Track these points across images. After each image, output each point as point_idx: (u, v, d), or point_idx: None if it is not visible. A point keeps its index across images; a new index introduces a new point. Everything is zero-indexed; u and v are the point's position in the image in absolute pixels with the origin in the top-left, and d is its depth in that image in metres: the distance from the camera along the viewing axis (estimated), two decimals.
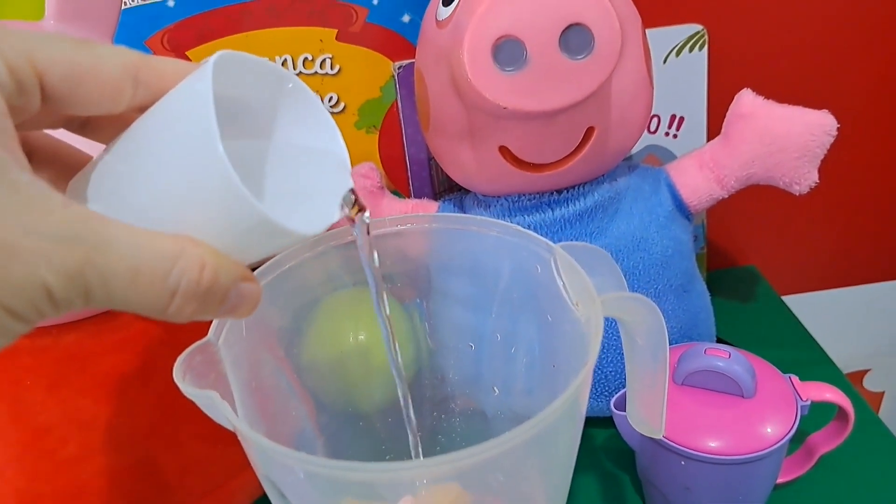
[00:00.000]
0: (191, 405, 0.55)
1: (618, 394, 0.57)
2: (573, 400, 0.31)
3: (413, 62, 0.65)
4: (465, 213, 0.64)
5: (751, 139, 0.59)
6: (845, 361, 0.71)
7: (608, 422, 0.67)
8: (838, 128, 0.58)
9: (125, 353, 0.53)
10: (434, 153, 0.61)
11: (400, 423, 0.43)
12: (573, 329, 0.37)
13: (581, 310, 0.37)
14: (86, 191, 0.30)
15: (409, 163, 0.72)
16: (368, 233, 0.36)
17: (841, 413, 0.57)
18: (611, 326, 0.60)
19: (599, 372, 0.63)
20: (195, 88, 0.28)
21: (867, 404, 0.69)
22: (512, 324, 0.45)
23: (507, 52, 0.48)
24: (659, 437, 0.42)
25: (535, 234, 0.39)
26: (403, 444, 0.44)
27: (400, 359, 0.42)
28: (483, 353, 0.47)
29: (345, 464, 0.27)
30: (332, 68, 0.69)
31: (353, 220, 0.35)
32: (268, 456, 0.31)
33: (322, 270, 0.48)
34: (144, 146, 0.29)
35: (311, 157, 0.35)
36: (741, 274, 0.91)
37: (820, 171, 0.59)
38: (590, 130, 0.55)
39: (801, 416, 0.54)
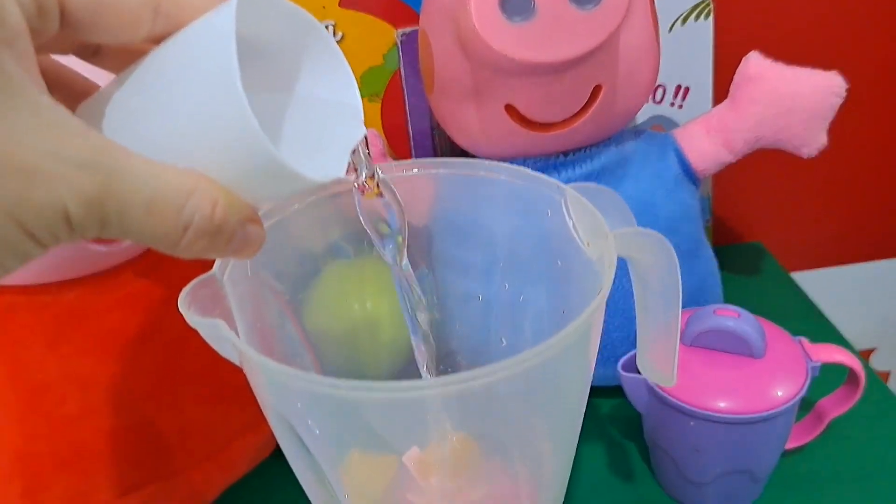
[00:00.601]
0: (192, 366, 0.55)
1: (626, 356, 0.56)
2: (585, 328, 0.30)
3: (416, 30, 0.64)
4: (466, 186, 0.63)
5: (759, 101, 0.58)
6: (851, 340, 0.70)
7: (614, 391, 0.66)
8: (848, 89, 0.57)
9: (126, 311, 0.53)
10: (438, 117, 0.61)
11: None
12: (584, 270, 0.37)
13: (592, 249, 0.36)
14: (95, 121, 0.30)
15: (412, 131, 0.72)
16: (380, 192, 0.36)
17: (851, 376, 0.56)
18: (618, 290, 0.60)
19: (606, 337, 0.62)
20: (217, 24, 0.27)
21: (875, 374, 0.69)
22: (520, 272, 0.44)
23: (515, 1, 0.47)
24: (671, 385, 0.41)
25: (545, 177, 0.39)
26: None
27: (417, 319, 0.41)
28: (491, 303, 0.47)
29: (355, 383, 0.26)
30: (334, 35, 0.68)
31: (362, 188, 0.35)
32: (277, 383, 0.30)
33: (322, 240, 0.48)
34: (160, 79, 0.29)
35: (327, 107, 0.34)
36: (747, 250, 0.90)
37: (828, 145, 0.58)
38: (597, 88, 0.54)
39: (812, 378, 0.53)
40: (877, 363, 1.01)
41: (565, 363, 0.32)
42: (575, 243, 0.37)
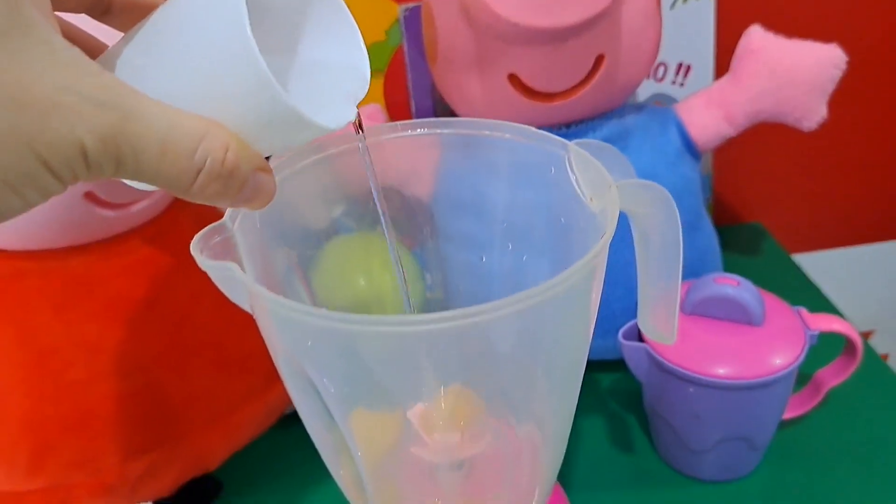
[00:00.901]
0: (198, 334, 0.55)
1: (626, 325, 0.57)
2: (588, 271, 0.31)
3: (419, 5, 0.65)
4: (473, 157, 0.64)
5: (760, 73, 0.59)
6: (850, 322, 0.71)
7: (615, 365, 0.67)
8: (848, 62, 0.58)
9: (133, 278, 0.53)
10: (441, 89, 0.61)
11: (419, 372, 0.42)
12: (587, 225, 0.37)
13: (595, 203, 0.36)
14: None
15: (415, 107, 0.72)
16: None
17: (848, 346, 0.57)
18: (619, 261, 0.60)
19: (607, 309, 0.62)
20: None
21: (872, 349, 0.70)
22: (523, 232, 0.44)
23: None
24: (671, 343, 0.41)
25: (549, 134, 0.39)
26: None
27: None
28: (493, 264, 0.47)
29: (365, 318, 0.27)
30: None
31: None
32: (287, 321, 0.31)
33: (325, 213, 0.49)
34: (170, 31, 0.29)
35: (332, 63, 0.35)
36: (747, 230, 0.91)
37: (829, 127, 0.59)
38: (600, 58, 0.54)
39: (810, 347, 0.54)
40: (876, 346, 1.01)
41: (567, 306, 0.33)
42: (578, 200, 0.38)
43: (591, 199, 0.37)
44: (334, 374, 0.35)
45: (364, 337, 0.30)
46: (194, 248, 0.32)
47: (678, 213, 0.36)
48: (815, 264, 0.93)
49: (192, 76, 0.28)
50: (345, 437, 0.38)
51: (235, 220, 0.35)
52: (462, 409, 0.41)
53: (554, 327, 0.34)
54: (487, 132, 0.41)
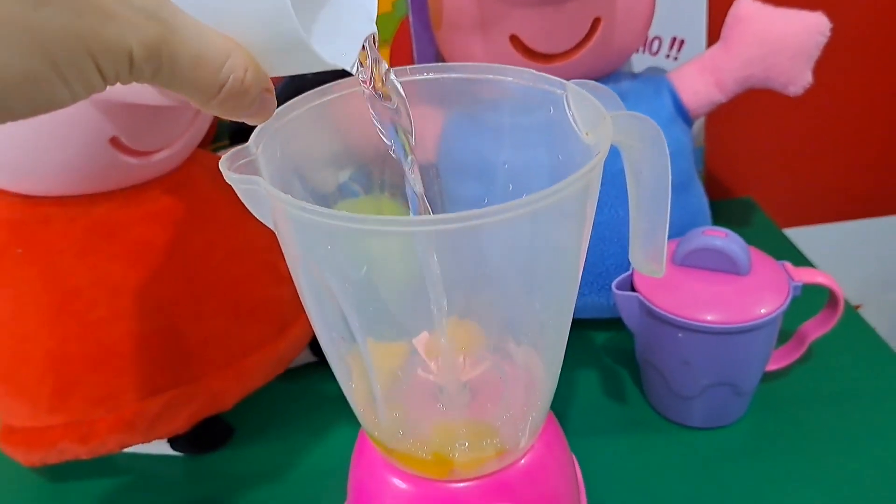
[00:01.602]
0: (214, 279, 0.58)
1: (620, 276, 0.60)
2: (583, 185, 0.33)
3: None
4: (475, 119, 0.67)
5: (748, 41, 0.62)
6: None
7: (609, 324, 0.70)
8: (832, 28, 0.61)
9: (153, 224, 0.56)
10: (445, 52, 0.64)
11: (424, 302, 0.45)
12: (583, 159, 0.39)
13: (591, 136, 0.39)
14: None
15: None
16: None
17: (831, 299, 0.60)
18: (613, 219, 0.63)
19: (601, 265, 0.65)
20: None
21: (851, 306, 0.73)
22: (524, 170, 0.47)
23: None
24: (660, 276, 0.44)
25: (549, 76, 0.42)
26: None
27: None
28: (494, 203, 0.50)
29: (378, 218, 0.30)
30: None
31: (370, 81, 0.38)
32: (307, 223, 0.34)
33: (333, 180, 0.51)
34: None
35: (341, 3, 0.37)
36: (739, 205, 0.93)
37: (820, 105, 0.61)
38: (597, 21, 0.57)
39: (794, 297, 0.57)
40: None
41: (562, 218, 0.36)
42: (575, 135, 0.40)
43: (586, 133, 0.40)
44: (351, 281, 0.37)
45: (376, 235, 0.33)
46: (223, 165, 0.35)
47: (667, 145, 0.39)
48: (806, 238, 0.96)
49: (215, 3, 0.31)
50: (361, 354, 0.40)
51: (259, 145, 0.37)
52: (462, 336, 0.44)
53: (549, 238, 0.37)
54: (490, 76, 0.44)
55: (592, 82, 0.41)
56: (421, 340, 0.45)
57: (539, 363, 0.44)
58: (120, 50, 0.26)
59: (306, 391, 0.69)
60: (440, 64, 0.44)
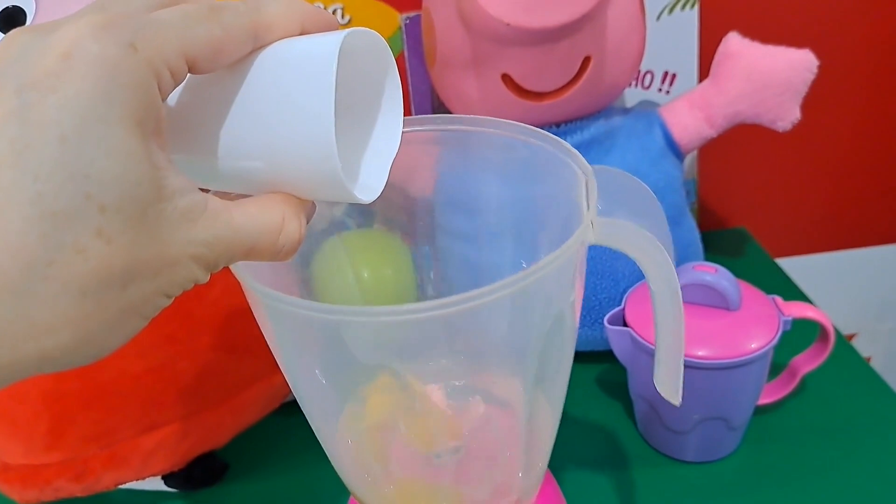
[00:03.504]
0: (209, 316, 0.59)
1: (611, 311, 0.60)
2: (573, 250, 0.34)
3: (419, 14, 0.68)
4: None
5: (737, 77, 0.63)
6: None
7: (601, 356, 0.70)
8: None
9: None
10: (439, 90, 0.65)
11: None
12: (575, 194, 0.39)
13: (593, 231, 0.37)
14: (185, 116, 0.31)
15: (414, 112, 0.76)
16: None
17: (822, 333, 0.61)
18: (605, 252, 0.64)
19: (593, 299, 0.66)
20: (321, 58, 0.29)
21: (844, 337, 0.73)
22: (519, 225, 0.47)
23: None
24: (676, 403, 0.44)
25: (567, 144, 0.41)
26: None
27: None
28: (490, 258, 0.51)
29: (349, 308, 0.31)
30: (342, 18, 0.72)
31: None
32: (279, 311, 0.34)
33: (327, 213, 0.52)
34: (255, 91, 0.30)
35: (373, 124, 0.36)
36: (732, 235, 0.94)
37: (811, 136, 0.62)
38: (587, 60, 0.58)
39: (784, 332, 0.57)
40: (858, 349, 1.04)
41: (534, 301, 0.36)
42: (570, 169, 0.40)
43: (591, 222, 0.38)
44: (325, 365, 0.38)
45: (349, 327, 0.34)
46: None
47: (672, 266, 0.38)
48: (799, 268, 0.97)
49: (269, 140, 0.30)
50: (342, 427, 0.41)
51: None
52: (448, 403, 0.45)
53: (539, 306, 0.37)
54: (486, 129, 0.44)
55: (619, 171, 0.40)
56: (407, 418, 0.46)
57: (535, 425, 0.44)
58: (188, 282, 0.28)
59: (301, 426, 0.68)
60: (436, 115, 0.45)
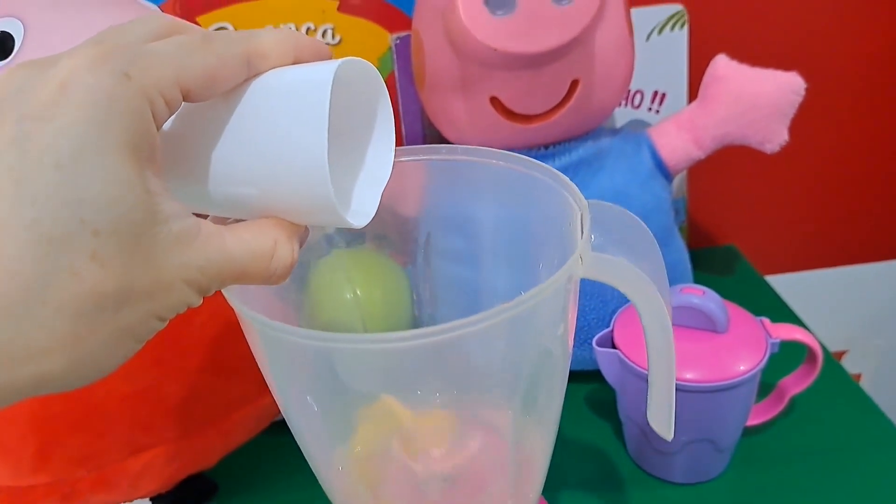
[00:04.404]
0: (197, 338, 0.59)
1: (599, 333, 0.60)
2: (561, 283, 0.34)
3: (410, 34, 0.69)
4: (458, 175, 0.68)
5: (725, 99, 0.63)
6: (823, 342, 0.75)
7: (590, 376, 0.70)
8: (807, 88, 0.62)
9: None
10: (429, 111, 0.65)
11: None
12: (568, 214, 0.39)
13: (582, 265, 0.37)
14: (181, 144, 0.32)
15: (404, 132, 0.76)
16: None
17: (809, 355, 0.61)
18: None
19: (582, 319, 0.66)
20: (315, 86, 0.29)
21: (833, 358, 0.73)
22: (512, 247, 0.48)
23: None
24: (669, 438, 0.45)
25: (567, 179, 0.41)
26: None
27: None
28: (484, 280, 0.51)
29: (340, 336, 0.31)
30: (332, 38, 0.73)
31: None
32: (270, 338, 0.35)
33: (318, 232, 0.52)
34: (249, 119, 0.30)
35: (364, 150, 0.37)
36: (722, 253, 0.94)
37: (800, 152, 0.62)
38: (575, 83, 0.59)
39: (772, 354, 0.57)
40: (848, 366, 1.05)
41: (529, 328, 0.36)
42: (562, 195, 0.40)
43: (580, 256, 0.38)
44: (316, 391, 0.38)
45: (340, 353, 0.34)
46: None
47: (663, 303, 0.37)
48: (789, 285, 0.97)
49: (264, 165, 0.30)
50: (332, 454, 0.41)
51: None
52: (441, 429, 0.45)
53: (511, 350, 0.37)
54: (482, 159, 0.44)
55: (617, 207, 0.40)
56: (396, 439, 0.46)
57: (529, 452, 0.44)
58: (180, 305, 0.28)
59: (291, 445, 0.69)
60: (427, 146, 0.45)
